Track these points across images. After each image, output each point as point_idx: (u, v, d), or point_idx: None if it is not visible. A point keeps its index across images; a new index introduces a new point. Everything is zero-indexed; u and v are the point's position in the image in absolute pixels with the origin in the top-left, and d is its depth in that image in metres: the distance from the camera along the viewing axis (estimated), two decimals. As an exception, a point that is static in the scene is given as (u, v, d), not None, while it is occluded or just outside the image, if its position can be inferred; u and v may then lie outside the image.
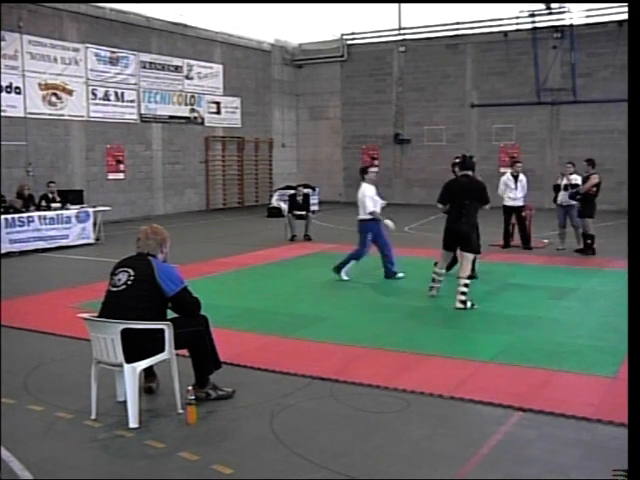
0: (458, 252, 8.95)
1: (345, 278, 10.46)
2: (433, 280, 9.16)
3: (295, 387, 5.62)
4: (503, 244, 13.57)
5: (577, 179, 13.26)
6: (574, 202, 13.16)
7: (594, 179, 12.88)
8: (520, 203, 13.59)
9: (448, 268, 9.64)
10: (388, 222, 10.52)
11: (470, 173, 8.95)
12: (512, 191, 13.63)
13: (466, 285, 8.43)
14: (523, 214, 13.62)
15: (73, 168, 19.44)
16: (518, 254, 12.93)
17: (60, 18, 18.82)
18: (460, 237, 8.70)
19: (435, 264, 9.30)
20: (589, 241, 12.86)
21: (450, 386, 5.53)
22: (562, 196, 13.33)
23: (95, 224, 15.43)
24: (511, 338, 7.12)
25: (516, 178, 13.68)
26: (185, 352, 5.28)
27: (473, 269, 9.24)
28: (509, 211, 13.64)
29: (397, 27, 26.38)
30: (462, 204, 8.65)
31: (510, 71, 23.99)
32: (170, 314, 5.21)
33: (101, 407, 5.04)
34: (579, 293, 9.33)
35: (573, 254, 12.92)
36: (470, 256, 8.78)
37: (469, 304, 8.43)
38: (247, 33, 25.45)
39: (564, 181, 13.32)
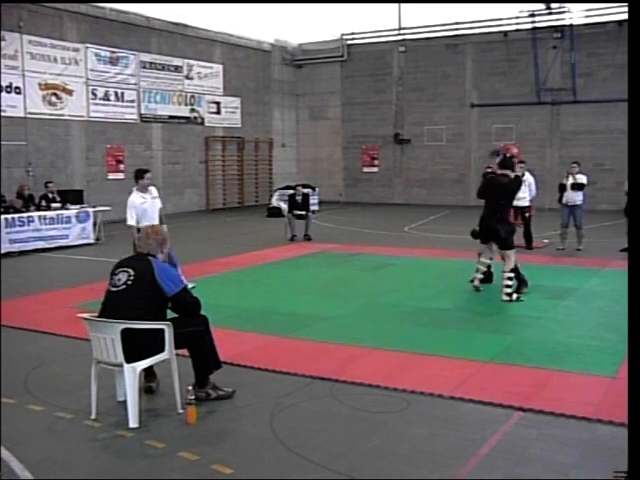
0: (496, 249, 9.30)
1: None
2: (477, 270, 9.42)
3: (295, 387, 5.62)
4: None
5: (582, 178, 13.26)
6: (580, 202, 13.17)
7: None
8: (524, 203, 13.56)
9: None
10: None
11: (509, 172, 9.23)
12: None
13: (510, 279, 8.77)
14: (527, 214, 13.60)
15: (73, 168, 19.45)
16: (518, 254, 12.90)
17: (60, 18, 18.83)
18: (493, 234, 9.07)
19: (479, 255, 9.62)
20: None
21: (450, 386, 5.53)
22: (567, 196, 13.31)
23: (95, 224, 15.42)
24: (511, 338, 7.12)
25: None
26: (185, 352, 5.28)
27: (519, 276, 9.26)
28: (513, 211, 13.64)
29: (397, 27, 26.38)
30: (496, 202, 9.03)
31: (510, 71, 23.99)
32: (170, 314, 5.22)
33: (101, 407, 5.04)
34: (579, 293, 9.32)
35: (575, 253, 12.92)
36: (509, 252, 8.97)
37: (515, 296, 8.72)
38: (247, 33, 25.47)
39: (570, 180, 13.28)
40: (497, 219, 9.00)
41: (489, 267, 9.60)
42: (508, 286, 8.75)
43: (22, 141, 17.85)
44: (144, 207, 9.11)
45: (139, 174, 9.36)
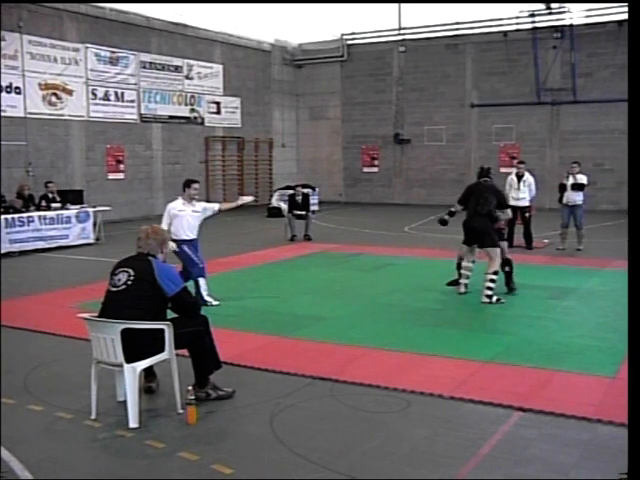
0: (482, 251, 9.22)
1: (215, 303, 8.72)
2: (460, 276, 9.34)
3: (295, 387, 5.62)
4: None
5: (583, 178, 13.26)
6: (580, 202, 13.18)
7: None
8: (524, 203, 13.55)
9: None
10: (171, 244, 8.86)
11: (488, 179, 9.47)
12: (515, 191, 13.63)
13: (492, 281, 8.69)
14: (527, 214, 13.60)
15: (73, 168, 19.44)
16: (519, 254, 12.91)
17: (60, 18, 18.82)
18: (477, 233, 9.02)
19: (459, 262, 9.56)
20: None
21: (450, 386, 5.53)
22: (568, 196, 13.30)
23: (95, 224, 15.43)
24: (511, 338, 7.12)
25: (520, 178, 13.66)
26: (185, 352, 5.28)
27: (511, 282, 9.29)
28: (513, 211, 13.63)
29: (397, 27, 26.37)
30: (477, 202, 9.07)
31: (510, 71, 23.99)
32: (170, 314, 5.22)
33: (101, 407, 5.04)
34: (579, 293, 9.33)
35: (575, 253, 12.93)
36: (494, 250, 8.90)
37: (494, 299, 8.66)
38: (247, 33, 25.45)
39: (570, 180, 13.28)
40: (481, 218, 8.96)
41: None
42: (490, 288, 8.67)
43: (22, 141, 17.84)
44: (180, 215, 8.80)
45: (186, 183, 9.04)
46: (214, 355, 5.28)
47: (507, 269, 9.26)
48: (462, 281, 9.32)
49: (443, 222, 9.69)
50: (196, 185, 9.07)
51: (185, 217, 8.82)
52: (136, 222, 17.61)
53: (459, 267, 9.55)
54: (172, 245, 8.40)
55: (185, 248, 8.74)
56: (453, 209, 9.65)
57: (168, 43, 22.18)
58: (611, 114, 22.13)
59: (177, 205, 8.90)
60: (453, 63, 25.00)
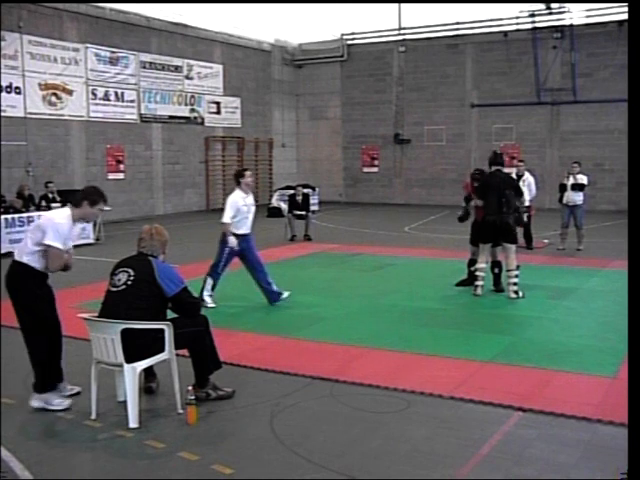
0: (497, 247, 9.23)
1: (210, 305, 8.36)
2: (477, 278, 9.11)
3: (295, 387, 5.62)
4: None
5: (583, 179, 13.27)
6: (580, 202, 13.18)
7: None
8: (524, 203, 13.53)
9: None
10: (232, 239, 8.36)
11: (501, 168, 9.28)
12: None
13: (517, 276, 8.81)
14: (527, 214, 13.58)
15: (73, 168, 19.45)
16: (519, 254, 12.89)
17: (60, 18, 18.83)
18: (502, 229, 8.97)
19: (470, 263, 9.51)
20: None
21: (450, 386, 5.53)
22: (568, 196, 13.30)
23: (95, 224, 15.41)
24: (511, 338, 7.12)
25: (520, 178, 13.65)
26: (185, 352, 5.28)
27: (499, 283, 9.28)
28: None
29: (397, 27, 26.38)
30: (503, 195, 8.95)
31: (510, 71, 23.99)
32: (170, 314, 5.21)
33: (101, 407, 5.04)
34: (579, 293, 9.33)
35: (575, 253, 12.93)
36: (514, 247, 9.02)
37: (521, 293, 8.76)
38: (247, 33, 25.46)
39: (571, 180, 13.28)
40: (507, 215, 8.95)
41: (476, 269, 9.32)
42: (515, 283, 8.78)
43: (22, 141, 17.84)
44: (245, 210, 8.44)
45: (240, 174, 8.63)
46: (214, 355, 5.28)
47: (496, 271, 9.24)
48: (479, 283, 9.09)
49: (462, 219, 9.70)
50: (249, 172, 8.74)
51: (250, 212, 8.55)
52: (136, 222, 17.61)
53: (470, 265, 9.54)
54: (233, 241, 8.32)
55: (234, 247, 8.40)
56: (472, 203, 9.44)
57: (168, 43, 22.19)
58: (611, 114, 22.14)
59: (239, 199, 8.45)
60: (453, 63, 25.00)
